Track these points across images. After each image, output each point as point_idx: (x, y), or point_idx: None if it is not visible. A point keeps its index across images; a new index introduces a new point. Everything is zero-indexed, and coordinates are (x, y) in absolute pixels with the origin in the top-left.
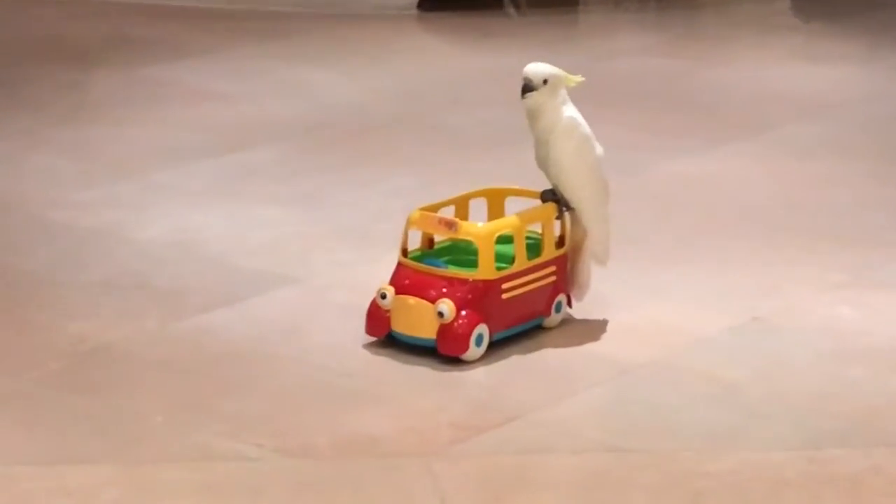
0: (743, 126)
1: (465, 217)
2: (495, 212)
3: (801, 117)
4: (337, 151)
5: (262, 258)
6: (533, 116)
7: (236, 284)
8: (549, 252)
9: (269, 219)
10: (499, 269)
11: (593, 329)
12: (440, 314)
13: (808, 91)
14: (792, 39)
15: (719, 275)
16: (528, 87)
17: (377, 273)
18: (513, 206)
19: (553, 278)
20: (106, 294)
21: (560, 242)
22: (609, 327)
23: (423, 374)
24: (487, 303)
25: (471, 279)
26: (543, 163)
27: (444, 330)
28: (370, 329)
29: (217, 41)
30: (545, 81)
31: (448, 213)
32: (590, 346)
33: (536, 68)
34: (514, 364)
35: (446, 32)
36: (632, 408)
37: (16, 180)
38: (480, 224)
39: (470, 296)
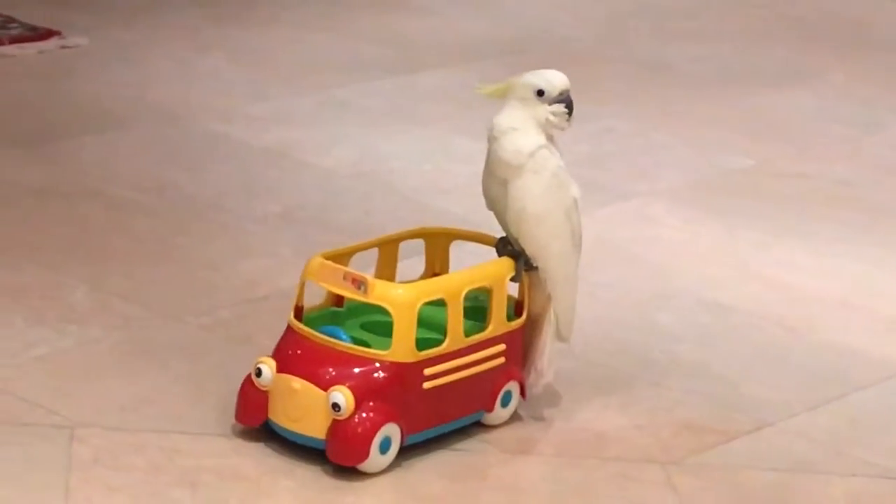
0: None
1: (392, 265)
2: (437, 261)
3: None
4: None
5: (458, 200)
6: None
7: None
8: (498, 324)
9: (461, 152)
10: (427, 342)
11: (851, 319)
12: (333, 407)
13: None
14: None
15: None
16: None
17: (599, 230)
18: (460, 253)
19: (501, 360)
20: (283, 229)
21: (517, 311)
22: (870, 318)
23: (657, 359)
24: (402, 393)
25: (378, 362)
26: (496, 205)
27: (338, 428)
28: (241, 415)
29: None
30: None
31: (369, 259)
32: (849, 339)
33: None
34: (758, 355)
35: None
36: None
37: (183, 87)
38: (401, 287)
39: (377, 383)
